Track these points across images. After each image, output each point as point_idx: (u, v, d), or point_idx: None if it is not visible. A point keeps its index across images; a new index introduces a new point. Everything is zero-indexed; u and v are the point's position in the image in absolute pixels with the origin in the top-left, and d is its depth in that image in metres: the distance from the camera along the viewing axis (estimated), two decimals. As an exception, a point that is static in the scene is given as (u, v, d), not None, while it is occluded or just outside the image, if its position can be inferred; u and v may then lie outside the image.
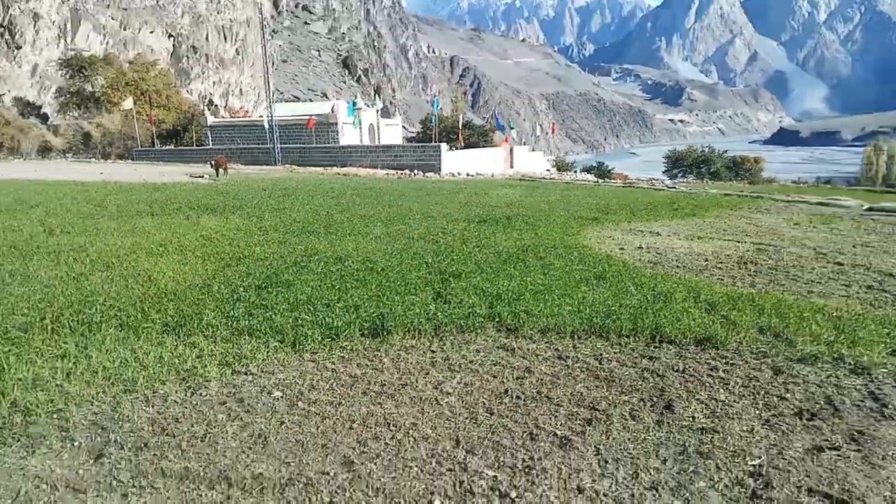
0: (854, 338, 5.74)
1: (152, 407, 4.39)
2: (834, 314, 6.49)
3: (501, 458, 3.74)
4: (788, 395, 4.67)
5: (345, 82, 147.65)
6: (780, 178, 62.70)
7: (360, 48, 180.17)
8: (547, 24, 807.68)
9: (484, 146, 45.02)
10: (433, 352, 5.55)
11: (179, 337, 5.61)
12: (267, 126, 40.93)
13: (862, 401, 4.61)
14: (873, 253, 10.14)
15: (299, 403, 4.46)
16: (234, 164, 36.56)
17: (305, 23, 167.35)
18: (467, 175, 34.14)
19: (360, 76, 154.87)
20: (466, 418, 4.29)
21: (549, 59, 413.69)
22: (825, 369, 5.17)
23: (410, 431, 4.07)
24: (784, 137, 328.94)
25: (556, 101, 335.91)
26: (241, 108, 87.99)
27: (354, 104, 46.41)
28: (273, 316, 6.12)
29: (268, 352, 5.40)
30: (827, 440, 4.00)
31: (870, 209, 16.45)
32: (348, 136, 43.80)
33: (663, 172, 58.55)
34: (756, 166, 55.88)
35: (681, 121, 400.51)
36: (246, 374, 4.98)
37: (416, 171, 34.30)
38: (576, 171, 48.91)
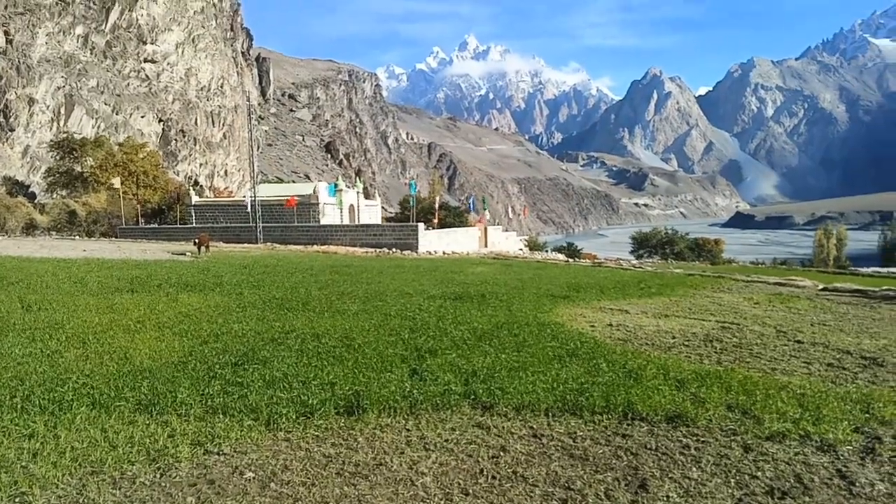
0: (819, 415, 5.88)
1: (119, 490, 4.28)
2: (798, 392, 6.66)
3: (478, 539, 3.72)
4: (759, 474, 4.75)
5: (327, 165, 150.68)
6: (740, 258, 64.70)
7: (343, 134, 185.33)
8: (518, 115, 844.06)
9: (459, 226, 45.86)
10: (408, 430, 5.54)
11: (152, 415, 5.52)
12: (249, 205, 41.29)
13: (830, 479, 4.70)
14: (830, 331, 10.47)
15: (272, 485, 4.39)
16: (216, 242, 36.52)
17: (291, 110, 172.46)
18: (443, 253, 34.58)
19: (341, 160, 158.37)
20: (441, 499, 4.26)
21: (520, 147, 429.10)
22: (793, 447, 5.27)
23: (386, 513, 4.03)
24: (741, 221, 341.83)
25: (527, 185, 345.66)
26: (225, 188, 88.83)
27: (336, 186, 47.27)
28: (248, 394, 6.07)
29: (241, 431, 5.33)
30: (798, 518, 4.06)
31: (824, 289, 17.03)
32: (329, 215, 44.37)
33: (630, 252, 60.02)
34: (717, 248, 57.72)
35: (645, 204, 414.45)
36: (218, 454, 4.90)
37: (394, 250, 34.66)
38: (547, 251, 49.83)
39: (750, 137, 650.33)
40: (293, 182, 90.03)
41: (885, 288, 17.48)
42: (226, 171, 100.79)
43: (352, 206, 47.20)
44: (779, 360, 8.38)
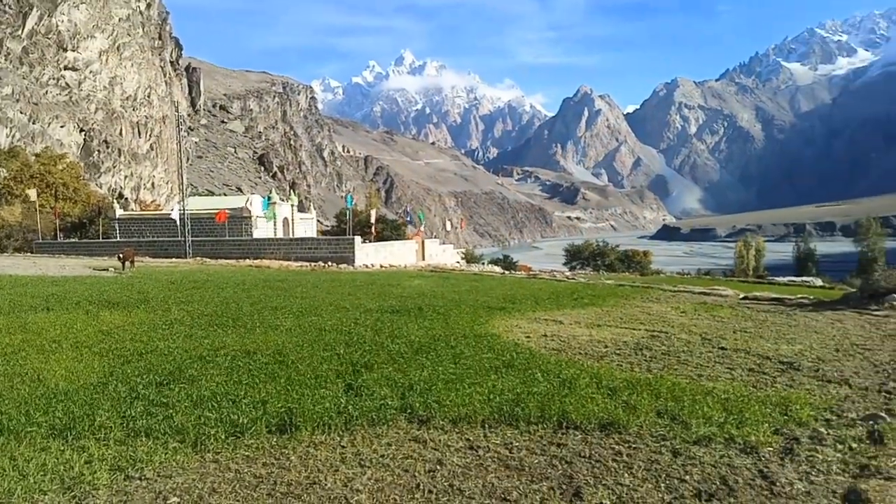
0: (741, 419, 6.13)
1: (29, 521, 3.98)
2: (723, 396, 6.93)
3: (414, 555, 3.65)
4: (687, 477, 4.89)
5: (260, 178, 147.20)
6: (667, 269, 67.27)
7: (277, 146, 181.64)
8: (454, 129, 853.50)
9: (397, 239, 45.70)
10: (343, 447, 5.42)
11: (67, 441, 5.18)
12: (178, 219, 39.80)
13: (753, 479, 4.88)
14: (751, 338, 10.98)
15: (199, 509, 4.19)
16: (142, 256, 34.97)
17: (223, 121, 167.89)
18: (380, 266, 34.35)
19: (275, 172, 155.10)
20: (378, 516, 4.17)
21: (456, 161, 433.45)
22: (718, 450, 5.46)
23: (319, 532, 3.90)
24: (668, 233, 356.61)
25: (463, 199, 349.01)
26: (152, 201, 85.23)
27: (269, 199, 46.23)
28: (174, 414, 5.80)
29: (166, 453, 5.07)
30: (724, 519, 4.19)
31: (745, 298, 17.89)
32: (262, 229, 43.34)
33: (563, 264, 61.35)
34: (645, 259, 59.80)
35: (577, 218, 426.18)
36: (140, 479, 4.64)
37: (329, 263, 34.17)
38: (484, 263, 50.33)
39: (675, 154, 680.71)
40: (225, 195, 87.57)
41: (799, 296, 18.52)
42: (153, 184, 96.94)
43: (286, 219, 46.33)
44: (704, 367, 8.70)
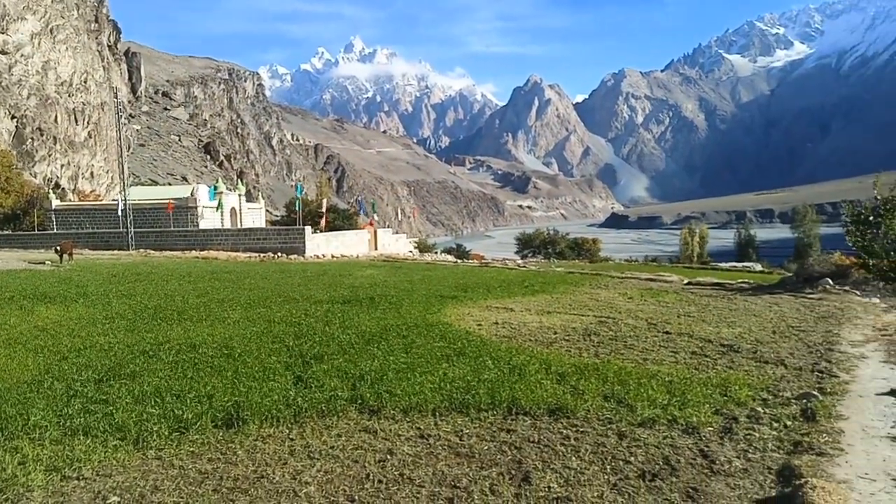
0: (684, 400, 6.33)
1: (-44, 527, 3.79)
2: (667, 379, 7.13)
3: (363, 546, 3.63)
4: (632, 459, 5.02)
5: (206, 167, 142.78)
6: (615, 256, 68.85)
7: (223, 134, 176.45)
8: (406, 118, 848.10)
9: (349, 229, 45.22)
10: (292, 440, 5.35)
11: (-2, 442, 4.94)
12: (119, 209, 38.29)
13: (694, 459, 5.05)
14: (694, 322, 11.35)
15: (140, 507, 4.07)
16: (81, 249, 33.54)
17: (165, 108, 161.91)
18: (332, 257, 33.94)
19: (222, 161, 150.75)
20: (327, 508, 4.14)
21: (408, 150, 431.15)
22: (662, 431, 5.63)
23: (266, 527, 3.84)
24: (616, 221, 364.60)
25: (416, 188, 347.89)
26: (92, 191, 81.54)
27: (216, 188, 44.96)
28: (114, 411, 5.61)
29: (106, 452, 4.90)
30: (667, 499, 4.32)
31: (689, 283, 18.48)
32: (209, 219, 42.16)
33: (515, 252, 62.01)
34: (595, 246, 61.01)
35: (528, 206, 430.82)
36: (78, 479, 4.48)
37: (279, 254, 33.57)
38: (437, 253, 50.35)
39: (623, 143, 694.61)
40: (169, 185, 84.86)
41: (739, 281, 19.22)
42: (92, 173, 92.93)
43: (233, 209, 45.20)
44: (650, 351, 8.94)
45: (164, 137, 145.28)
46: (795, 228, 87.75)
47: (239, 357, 7.64)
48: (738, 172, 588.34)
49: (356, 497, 4.30)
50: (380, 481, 4.57)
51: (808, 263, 17.17)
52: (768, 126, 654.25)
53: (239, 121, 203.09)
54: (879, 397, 6.49)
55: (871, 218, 16.26)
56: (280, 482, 4.51)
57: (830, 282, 15.50)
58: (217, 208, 41.58)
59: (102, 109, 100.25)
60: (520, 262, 37.23)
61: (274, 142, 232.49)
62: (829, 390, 6.72)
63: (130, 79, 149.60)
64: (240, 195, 47.35)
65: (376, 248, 40.83)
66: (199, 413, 5.61)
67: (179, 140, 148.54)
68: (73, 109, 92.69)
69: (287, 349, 8.25)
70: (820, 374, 7.53)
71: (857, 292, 14.72)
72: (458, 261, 35.11)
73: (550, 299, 14.91)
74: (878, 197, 16.42)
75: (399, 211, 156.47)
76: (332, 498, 4.29)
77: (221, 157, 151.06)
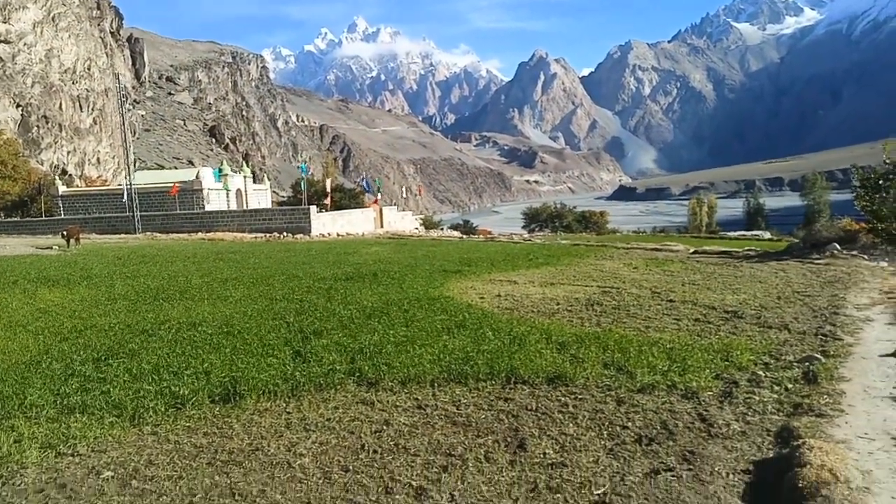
0: (685, 366, 6.27)
1: (-48, 504, 3.80)
2: (668, 346, 7.07)
3: (354, 515, 3.62)
4: (630, 424, 4.98)
5: (212, 150, 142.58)
6: (623, 228, 68.59)
7: (228, 117, 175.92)
8: (410, 96, 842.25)
9: (354, 208, 45.17)
10: (289, 413, 5.34)
11: (-7, 421, 4.96)
12: (125, 194, 38.42)
13: (692, 423, 5.00)
14: (698, 290, 11.25)
15: (132, 482, 4.07)
16: (89, 234, 33.74)
17: (170, 93, 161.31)
18: (338, 235, 33.97)
19: (227, 144, 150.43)
20: (320, 479, 4.13)
21: (414, 128, 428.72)
22: (661, 397, 5.58)
23: (258, 500, 3.84)
24: (624, 193, 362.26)
25: (422, 166, 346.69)
26: (98, 176, 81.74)
27: (220, 170, 44.94)
28: (111, 389, 5.62)
29: (102, 429, 4.92)
30: (663, 463, 4.28)
31: (695, 252, 18.32)
32: (215, 201, 42.25)
33: (522, 227, 61.84)
34: (602, 219, 60.72)
35: (535, 181, 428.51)
36: (73, 455, 4.49)
37: (285, 234, 33.64)
38: (442, 229, 50.28)
39: (630, 115, 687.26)
40: (175, 168, 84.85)
41: (746, 249, 19.05)
42: (98, 159, 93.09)
43: (239, 190, 45.21)
44: (652, 319, 8.86)
45: (170, 122, 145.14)
46: (805, 196, 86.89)
47: (238, 334, 7.64)
48: (747, 142, 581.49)
49: (351, 467, 4.29)
50: (375, 451, 4.56)
51: (816, 229, 16.97)
52: (778, 94, 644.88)
53: (244, 103, 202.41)
54: (883, 359, 6.41)
55: (880, 182, 16.00)
56: (275, 454, 4.51)
57: (838, 247, 15.31)
58: (223, 190, 41.55)
59: (107, 96, 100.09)
60: (526, 236, 37.11)
61: (279, 123, 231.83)
62: (832, 353, 6.63)
63: (134, 64, 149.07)
64: (245, 177, 47.35)
65: (382, 226, 40.80)
66: (196, 389, 5.61)
67: (184, 124, 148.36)
68: (78, 96, 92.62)
69: (287, 325, 8.24)
70: (824, 338, 7.44)
71: (865, 256, 14.54)
72: (463, 236, 35.03)
73: (555, 271, 14.83)
74: (887, 161, 16.14)
75: (405, 189, 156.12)
76: (327, 468, 4.28)
77: (227, 140, 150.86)
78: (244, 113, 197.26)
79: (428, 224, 51.79)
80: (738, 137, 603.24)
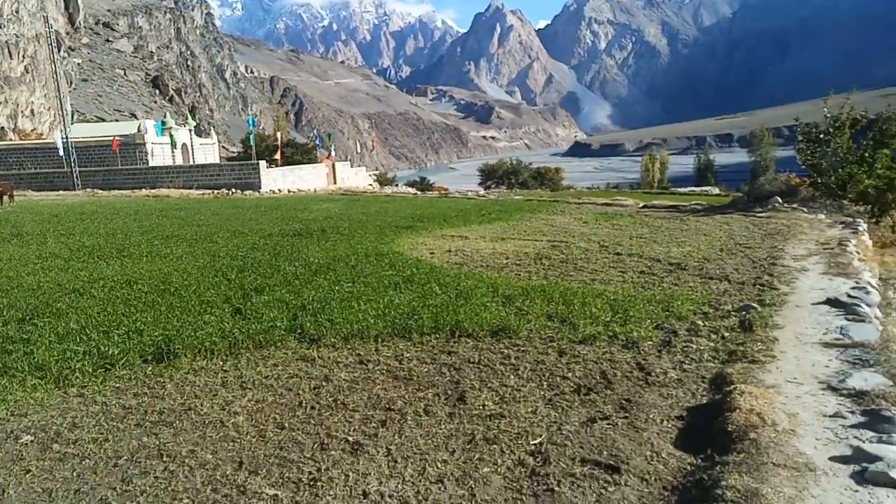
0: (626, 317, 6.34)
1: None
2: (611, 298, 7.14)
3: (287, 475, 3.54)
4: (570, 375, 5.01)
5: (155, 102, 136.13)
6: (578, 185, 69.35)
7: (172, 68, 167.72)
8: (364, 47, 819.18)
9: (307, 164, 44.12)
10: (225, 371, 5.19)
11: None
12: (61, 148, 36.44)
13: (631, 372, 5.07)
14: (645, 243, 11.42)
15: (54, 446, 3.89)
16: (23, 190, 32.04)
17: (108, 40, 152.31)
18: (288, 192, 33.17)
19: (172, 96, 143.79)
20: (254, 437, 4.03)
21: (368, 80, 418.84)
22: (602, 347, 5.64)
23: (187, 460, 3.71)
24: (579, 150, 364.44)
25: (377, 121, 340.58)
26: (33, 130, 77.39)
27: (163, 123, 43.03)
28: (35, 350, 5.34)
29: (23, 391, 4.68)
30: (600, 411, 4.32)
31: (644, 207, 18.62)
32: (159, 156, 40.55)
33: (479, 184, 61.78)
34: (557, 176, 61.13)
35: (492, 137, 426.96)
36: (-11, 420, 4.25)
37: (234, 190, 32.67)
38: (397, 185, 49.77)
39: (586, 70, 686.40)
40: (117, 121, 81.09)
41: (693, 203, 19.44)
42: (32, 111, 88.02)
43: (185, 145, 43.52)
44: (599, 272, 8.95)
45: (109, 71, 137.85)
46: (752, 152, 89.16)
47: (175, 291, 7.37)
48: (700, 97, 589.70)
49: (287, 424, 4.20)
50: (312, 408, 4.47)
51: (759, 183, 17.40)
52: (730, 49, 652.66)
53: (188, 53, 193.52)
54: (815, 306, 6.62)
55: (821, 136, 16.40)
56: (208, 413, 4.38)
57: (780, 200, 15.74)
58: (167, 145, 39.89)
59: (38, 42, 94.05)
60: (482, 192, 37.07)
61: (227, 75, 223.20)
62: (768, 302, 6.81)
63: (67, 8, 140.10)
64: (190, 130, 45.54)
65: (335, 182, 40.05)
66: (127, 348, 5.39)
67: (125, 74, 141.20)
68: (7, 42, 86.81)
69: (228, 282, 8.00)
70: (761, 288, 7.65)
71: (805, 209, 15.00)
72: (418, 193, 34.75)
73: (506, 226, 14.84)
74: (828, 116, 16.52)
75: (360, 144, 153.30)
76: (262, 426, 4.18)
77: (171, 92, 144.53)
78: (189, 63, 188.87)
79: (382, 180, 51.14)
80: (692, 93, 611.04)
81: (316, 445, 3.89)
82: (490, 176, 64.34)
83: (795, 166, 20.31)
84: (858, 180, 15.32)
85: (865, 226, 12.97)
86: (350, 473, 3.54)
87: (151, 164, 38.84)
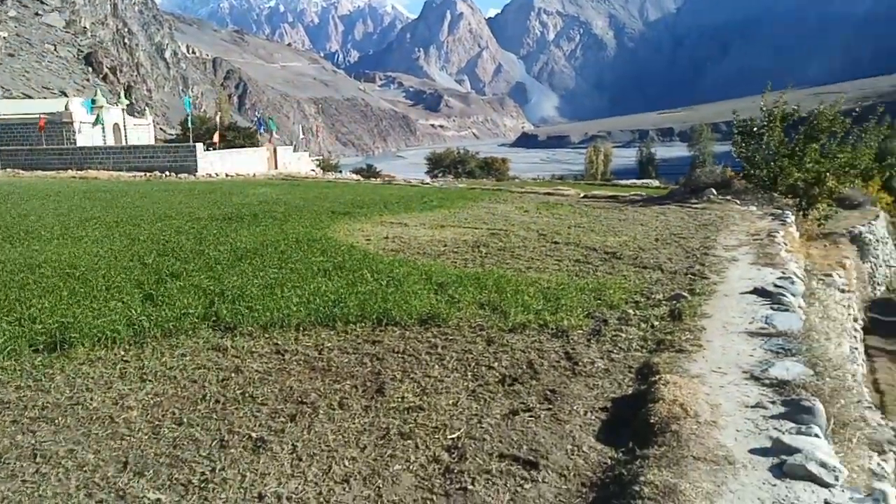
0: (558, 305, 6.21)
1: None
2: (545, 286, 7.01)
3: (176, 476, 3.21)
4: (496, 364, 4.83)
5: (88, 80, 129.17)
6: (524, 175, 69.85)
7: (108, 45, 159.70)
8: (312, 30, 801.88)
9: (250, 147, 42.78)
10: (126, 362, 4.78)
11: None
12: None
13: (558, 361, 4.93)
14: (583, 232, 11.41)
15: None
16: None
17: (37, 14, 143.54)
18: (227, 175, 32.06)
19: (106, 74, 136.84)
20: (146, 434, 3.67)
21: (315, 65, 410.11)
22: (531, 336, 5.48)
23: (64, 461, 3.33)
24: (526, 141, 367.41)
25: (324, 106, 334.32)
26: (-48, 106, 72.42)
27: (93, 101, 40.81)
28: None
29: None
30: (523, 403, 4.15)
31: (585, 196, 18.75)
32: (87, 135, 38.44)
33: (426, 173, 61.44)
34: (504, 166, 61.36)
35: (441, 126, 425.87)
36: None
37: (168, 173, 31.34)
38: (341, 171, 48.89)
39: (534, 60, 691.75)
40: (45, 98, 76.88)
41: (632, 193, 19.70)
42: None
43: (116, 125, 41.48)
44: (535, 260, 8.83)
45: (38, 47, 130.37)
46: (692, 146, 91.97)
47: (82, 276, 6.83)
48: (645, 91, 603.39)
49: (185, 420, 3.85)
50: (217, 401, 4.13)
51: (696, 175, 17.75)
52: (674, 45, 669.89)
53: (126, 30, 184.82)
54: (743, 296, 6.65)
55: (754, 130, 16.81)
56: (98, 408, 3.98)
57: (714, 192, 16.07)
58: (95, 123, 37.89)
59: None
60: (426, 180, 36.78)
61: (167, 54, 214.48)
62: (698, 291, 6.82)
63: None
64: (123, 109, 43.44)
65: (276, 167, 39.00)
66: (15, 337, 4.91)
67: (55, 50, 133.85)
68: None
69: (144, 267, 7.50)
70: (692, 277, 7.67)
71: (738, 201, 15.35)
72: (361, 179, 34.19)
73: (447, 214, 14.63)
74: (764, 108, 16.93)
75: (307, 130, 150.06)
76: (157, 422, 3.82)
77: (106, 70, 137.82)
78: (126, 41, 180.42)
79: (326, 166, 50.17)
80: (637, 87, 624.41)
81: (215, 443, 3.57)
82: (437, 165, 64.06)
83: (732, 160, 20.84)
84: (788, 174, 15.78)
85: (793, 218, 13.35)
86: (248, 473, 3.24)
87: (80, 143, 36.84)
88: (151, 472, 3.24)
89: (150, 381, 4.42)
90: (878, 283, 19.51)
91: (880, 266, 19.80)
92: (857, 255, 16.38)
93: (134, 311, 5.66)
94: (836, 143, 16.00)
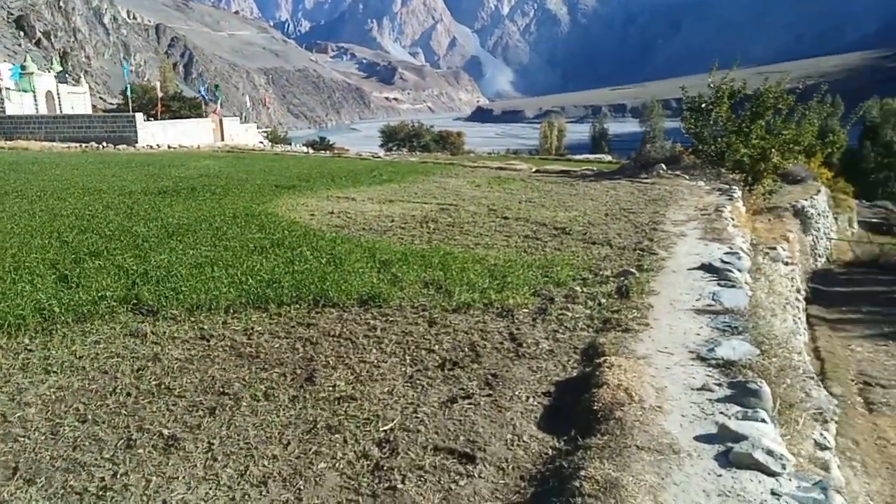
0: (504, 283, 6.00)
1: None
2: (491, 263, 6.79)
3: (71, 483, 2.87)
4: (437, 347, 4.59)
5: (20, 45, 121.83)
6: (479, 150, 69.50)
7: (40, 7, 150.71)
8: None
9: (196, 118, 41.09)
10: (30, 351, 4.35)
11: None
12: None
13: (502, 343, 4.72)
14: (533, 207, 11.25)
15: None
16: None
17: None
18: (168, 147, 30.73)
19: (39, 39, 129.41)
20: (44, 435, 3.29)
21: (265, 34, 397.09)
22: (475, 316, 5.26)
23: (-63, 469, 2.94)
24: (481, 115, 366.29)
25: (275, 77, 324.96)
26: None
27: (23, 67, 38.37)
28: None
29: None
30: (463, 389, 3.92)
31: (536, 171, 18.63)
32: (16, 103, 36.18)
33: (380, 146, 60.53)
34: (459, 140, 60.94)
35: (395, 99, 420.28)
36: None
37: (105, 144, 29.82)
38: (291, 144, 47.60)
39: (489, 35, 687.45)
40: (-29, 64, 72.08)
41: (584, 168, 19.68)
42: None
43: (49, 92, 39.20)
44: (484, 236, 8.61)
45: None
46: (644, 122, 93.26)
47: (-12, 256, 6.26)
48: (598, 67, 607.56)
49: (91, 416, 3.48)
50: (129, 395, 3.77)
51: (646, 150, 17.80)
52: (626, 22, 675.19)
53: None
54: (690, 272, 6.58)
55: (703, 105, 16.90)
56: (-10, 406, 3.57)
57: (664, 167, 16.15)
58: (27, 91, 35.70)
59: None
60: (378, 153, 36.10)
61: (106, 19, 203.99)
62: (646, 267, 6.71)
63: None
64: (56, 76, 41.06)
65: (222, 139, 37.62)
66: None
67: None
68: None
69: (63, 245, 6.95)
70: (641, 252, 7.57)
71: (686, 176, 15.46)
72: (310, 151, 33.31)
73: (397, 188, 14.27)
74: (712, 85, 17.02)
75: (256, 101, 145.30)
76: (58, 420, 3.44)
77: (39, 34, 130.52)
78: (61, 3, 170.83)
79: (275, 138, 48.76)
80: (590, 63, 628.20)
81: (121, 443, 3.22)
82: (392, 138, 63.15)
83: (682, 136, 21.01)
84: (735, 149, 15.95)
85: (740, 193, 13.50)
86: (154, 478, 2.91)
87: (8, 112, 34.69)
88: (43, 479, 2.89)
89: (55, 372, 4.01)
90: (819, 255, 20.16)
91: (821, 238, 20.44)
92: (800, 228, 16.81)
93: (43, 295, 5.18)
94: (780, 120, 16.24)
